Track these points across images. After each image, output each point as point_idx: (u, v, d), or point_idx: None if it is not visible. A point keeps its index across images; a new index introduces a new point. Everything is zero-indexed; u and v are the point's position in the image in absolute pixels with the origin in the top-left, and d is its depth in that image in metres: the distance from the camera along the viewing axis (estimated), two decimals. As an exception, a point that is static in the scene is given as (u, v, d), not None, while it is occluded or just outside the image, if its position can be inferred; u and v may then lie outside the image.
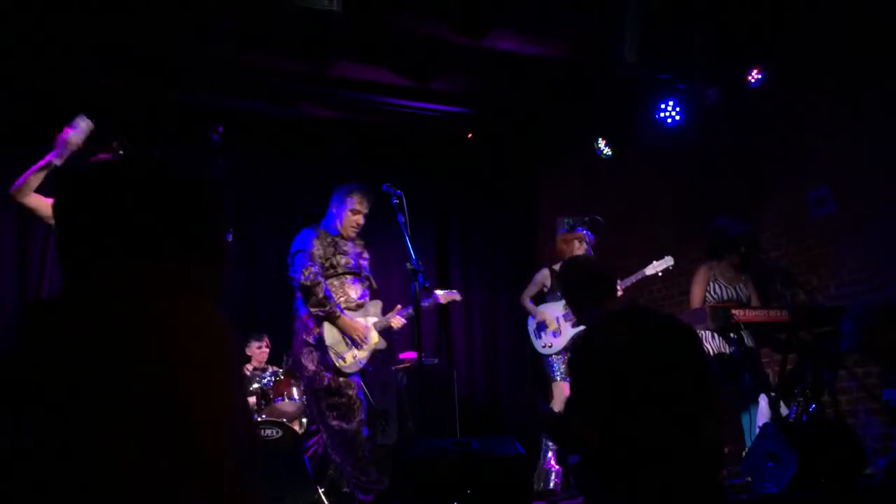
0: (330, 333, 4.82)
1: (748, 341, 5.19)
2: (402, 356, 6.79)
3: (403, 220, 4.73)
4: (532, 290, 5.98)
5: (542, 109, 7.18)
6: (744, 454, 4.70)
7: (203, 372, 1.31)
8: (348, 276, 4.97)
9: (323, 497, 5.08)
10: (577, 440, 2.82)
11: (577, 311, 3.15)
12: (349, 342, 4.86)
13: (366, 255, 5.21)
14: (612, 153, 6.91)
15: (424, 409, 6.27)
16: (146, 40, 5.58)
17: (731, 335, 5.15)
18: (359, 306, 5.00)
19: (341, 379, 4.80)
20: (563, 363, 5.69)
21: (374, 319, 5.08)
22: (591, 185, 7.71)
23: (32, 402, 1.24)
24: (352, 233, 5.03)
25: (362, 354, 4.91)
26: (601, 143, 6.91)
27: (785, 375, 5.16)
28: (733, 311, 5.11)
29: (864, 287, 5.44)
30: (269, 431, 5.31)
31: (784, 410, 4.57)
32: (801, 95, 5.91)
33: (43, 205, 4.16)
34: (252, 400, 5.90)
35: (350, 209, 4.99)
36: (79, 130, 4.15)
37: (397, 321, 5.16)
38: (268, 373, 5.77)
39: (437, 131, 7.47)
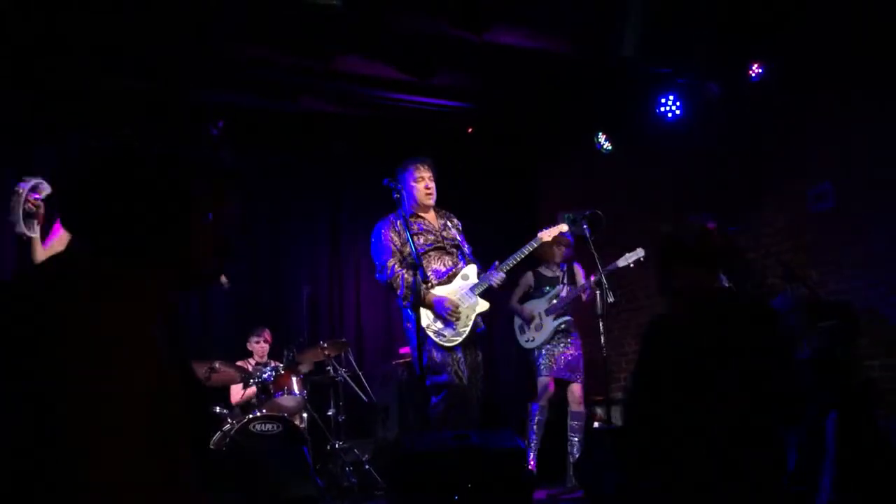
0: (424, 315, 4.64)
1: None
2: (402, 350, 6.80)
3: (404, 214, 4.73)
4: (519, 292, 6.11)
5: (543, 105, 7.17)
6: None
7: (100, 379, 1.28)
8: (431, 252, 4.82)
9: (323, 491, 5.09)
10: (637, 425, 2.70)
11: (663, 288, 3.00)
12: (444, 318, 4.70)
13: (454, 222, 5.08)
14: (613, 148, 6.91)
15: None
16: (146, 37, 5.57)
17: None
18: (450, 278, 4.84)
19: (445, 357, 4.67)
20: (546, 357, 5.83)
21: (471, 283, 4.88)
22: (591, 179, 7.70)
23: None
24: (427, 201, 4.91)
25: (461, 325, 4.74)
26: (601, 138, 6.91)
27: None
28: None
29: (863, 282, 5.45)
30: (269, 426, 5.33)
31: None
32: (801, 92, 5.91)
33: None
34: (252, 391, 5.92)
35: (413, 179, 4.90)
36: (38, 196, 3.98)
37: (498, 279, 4.93)
38: (269, 367, 5.78)
39: (437, 126, 7.46)
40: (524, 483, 3.76)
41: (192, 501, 1.37)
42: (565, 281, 6.00)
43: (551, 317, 5.85)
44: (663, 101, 6.43)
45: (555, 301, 5.87)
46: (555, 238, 5.90)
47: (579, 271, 6.05)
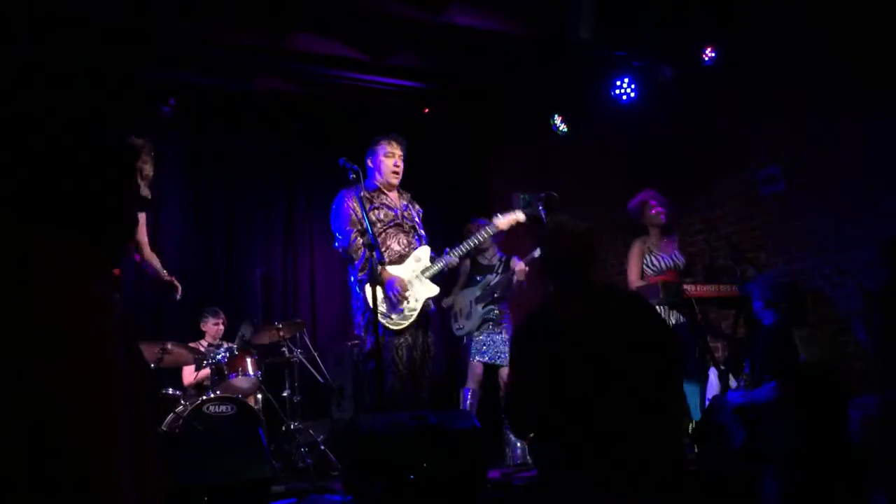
0: (373, 294, 4.53)
1: (698, 315, 5.30)
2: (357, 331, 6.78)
3: (360, 195, 4.70)
4: (461, 281, 6.15)
5: (498, 85, 7.19)
6: (692, 426, 4.81)
7: (66, 356, 1.23)
8: (390, 230, 4.75)
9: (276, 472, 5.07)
10: (519, 421, 2.83)
11: (547, 279, 3.10)
12: (391, 300, 4.61)
13: (416, 207, 5.02)
14: (568, 130, 6.95)
15: (381, 383, 6.27)
16: (98, 12, 5.44)
17: (683, 309, 5.26)
18: (402, 257, 4.75)
19: (388, 341, 4.60)
20: (475, 344, 5.89)
21: (422, 266, 4.81)
22: (545, 161, 7.74)
23: None
24: (393, 179, 4.83)
25: (409, 309, 4.66)
26: (557, 120, 6.94)
27: (734, 349, 5.28)
28: (685, 287, 5.21)
29: (810, 263, 5.58)
30: (223, 407, 5.29)
31: (733, 383, 4.68)
32: (753, 75, 6.00)
33: None
34: (205, 373, 5.87)
35: (384, 154, 4.82)
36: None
37: (450, 263, 4.92)
38: (222, 349, 5.73)
39: (393, 106, 7.43)
40: (480, 463, 3.79)
41: (155, 484, 1.36)
42: (499, 271, 5.97)
43: (480, 305, 5.88)
44: (618, 83, 6.48)
45: (486, 289, 5.90)
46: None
47: (516, 262, 5.90)
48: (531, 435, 2.88)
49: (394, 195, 4.91)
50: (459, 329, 6.00)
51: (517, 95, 7.25)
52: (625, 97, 6.50)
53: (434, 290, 4.83)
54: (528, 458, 5.64)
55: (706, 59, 5.99)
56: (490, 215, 5.49)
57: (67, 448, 1.22)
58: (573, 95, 6.91)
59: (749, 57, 5.97)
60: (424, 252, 4.88)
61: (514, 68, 6.75)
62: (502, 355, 5.83)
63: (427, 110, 7.66)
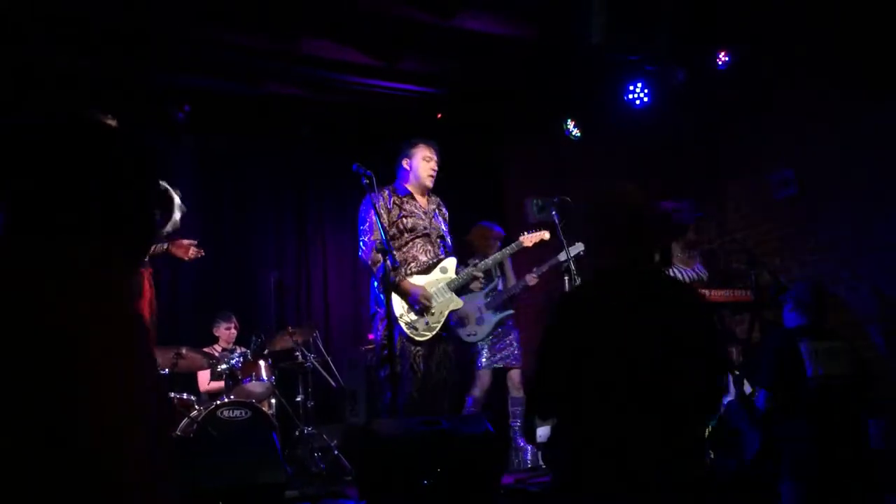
0: (398, 304, 4.55)
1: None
2: (371, 336, 6.79)
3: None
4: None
5: (509, 90, 7.18)
6: (708, 431, 4.78)
7: (99, 363, 1.22)
8: (417, 240, 4.73)
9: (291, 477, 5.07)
10: (540, 406, 2.65)
11: (587, 256, 2.73)
12: (417, 310, 4.59)
13: (443, 211, 5.01)
14: (581, 135, 6.94)
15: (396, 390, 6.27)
16: (112, 17, 5.48)
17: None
18: (429, 268, 4.74)
19: (406, 350, 4.57)
20: (487, 350, 5.94)
21: (448, 278, 4.78)
22: (556, 165, 7.72)
23: None
24: (429, 182, 4.84)
25: (434, 320, 4.65)
26: (570, 125, 6.93)
27: (748, 354, 5.25)
28: (701, 291, 5.20)
29: (825, 267, 5.54)
30: (237, 412, 5.30)
31: (747, 388, 4.65)
32: (766, 79, 5.98)
33: None
34: (220, 385, 5.90)
35: (424, 157, 4.83)
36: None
37: (476, 275, 4.96)
38: (236, 353, 5.75)
39: (405, 111, 7.43)
40: (493, 468, 3.78)
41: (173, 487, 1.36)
42: (499, 273, 6.03)
43: (491, 311, 5.93)
44: (631, 88, 6.46)
45: (494, 294, 5.94)
46: (488, 232, 6.02)
47: (509, 263, 6.03)
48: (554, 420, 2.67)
49: (423, 200, 4.91)
50: (471, 335, 5.95)
51: (528, 100, 7.24)
52: (638, 102, 6.48)
53: (458, 302, 4.81)
54: (541, 462, 5.64)
55: (720, 63, 5.96)
56: (500, 219, 5.50)
57: (96, 442, 1.21)
58: (586, 100, 6.89)
59: (761, 61, 5.95)
60: (451, 263, 4.87)
61: (525, 73, 6.74)
62: (512, 358, 5.93)
63: (440, 116, 7.65)
